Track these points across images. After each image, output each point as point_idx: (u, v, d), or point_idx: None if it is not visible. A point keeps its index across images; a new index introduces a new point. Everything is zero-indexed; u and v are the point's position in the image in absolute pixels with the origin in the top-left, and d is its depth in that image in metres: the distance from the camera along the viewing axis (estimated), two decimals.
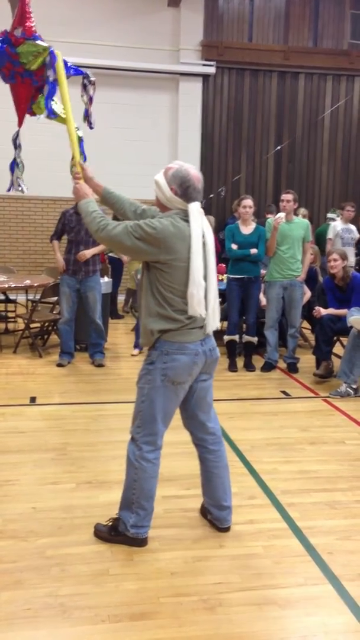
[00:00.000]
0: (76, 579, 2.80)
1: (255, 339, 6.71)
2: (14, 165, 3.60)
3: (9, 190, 3.62)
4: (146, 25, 11.30)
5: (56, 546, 3.05)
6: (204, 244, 2.88)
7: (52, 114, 3.35)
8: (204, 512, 3.35)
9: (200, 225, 2.85)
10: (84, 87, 3.76)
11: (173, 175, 2.89)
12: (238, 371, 6.65)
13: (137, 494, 3.02)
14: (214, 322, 2.96)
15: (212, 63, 11.52)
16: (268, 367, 6.69)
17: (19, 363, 6.70)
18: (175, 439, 4.52)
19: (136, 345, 7.26)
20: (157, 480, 3.09)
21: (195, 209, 2.86)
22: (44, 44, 3.29)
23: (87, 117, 3.77)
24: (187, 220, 2.85)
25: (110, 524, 3.13)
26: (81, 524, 3.24)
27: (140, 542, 3.07)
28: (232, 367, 6.69)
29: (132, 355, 7.18)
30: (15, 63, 3.31)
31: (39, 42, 3.30)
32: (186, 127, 11.68)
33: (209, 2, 11.50)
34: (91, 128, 3.82)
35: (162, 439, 3.09)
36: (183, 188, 2.86)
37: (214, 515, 3.26)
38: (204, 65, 11.53)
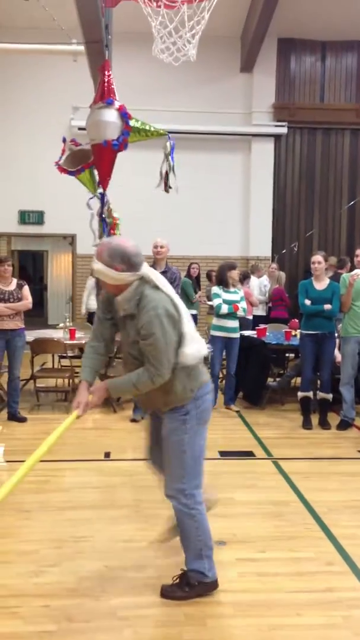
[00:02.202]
0: None
1: (330, 396, 6.55)
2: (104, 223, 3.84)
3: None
4: (220, 90, 11.77)
5: (129, 607, 3.02)
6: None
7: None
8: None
9: (163, 282, 2.94)
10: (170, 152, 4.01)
11: (109, 256, 2.83)
12: (313, 429, 6.49)
13: (203, 538, 3.06)
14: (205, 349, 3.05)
15: (283, 124, 11.79)
16: (344, 425, 6.49)
17: (94, 418, 6.81)
18: (249, 499, 4.46)
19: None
20: None
21: (148, 269, 2.92)
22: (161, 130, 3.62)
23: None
24: (152, 285, 2.89)
25: (178, 581, 3.10)
26: (154, 584, 3.20)
27: (216, 583, 3.12)
28: (307, 425, 6.54)
29: None
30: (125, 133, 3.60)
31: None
32: (258, 185, 11.91)
33: (280, 66, 11.87)
34: (166, 191, 4.03)
35: None
36: (125, 261, 2.83)
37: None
38: (275, 126, 11.81)
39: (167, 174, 4.19)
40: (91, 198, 4.15)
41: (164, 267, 6.60)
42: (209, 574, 3.08)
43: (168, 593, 3.09)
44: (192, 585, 3.06)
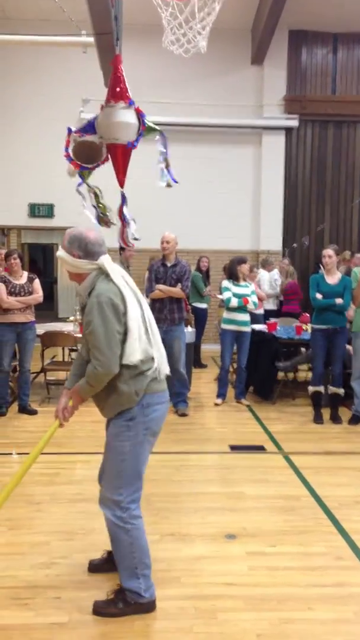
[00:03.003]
0: (159, 635, 2.76)
1: (341, 391, 6.51)
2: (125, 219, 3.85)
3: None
4: (231, 83, 11.69)
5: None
6: (132, 290, 2.83)
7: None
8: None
9: (119, 275, 2.81)
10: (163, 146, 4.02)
11: (69, 242, 2.83)
12: (324, 423, 6.47)
13: (138, 555, 2.87)
14: (165, 365, 2.91)
15: (295, 116, 11.70)
16: (356, 420, 6.46)
17: None
18: (259, 493, 4.45)
19: (219, 395, 7.23)
20: None
21: (106, 260, 2.83)
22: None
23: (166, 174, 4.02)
24: (105, 276, 2.81)
25: (113, 597, 2.93)
26: (164, 578, 3.19)
27: (153, 604, 2.91)
28: (318, 419, 6.51)
29: (216, 404, 7.14)
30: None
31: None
32: (269, 178, 11.84)
33: (292, 58, 11.77)
34: (175, 182, 4.06)
35: None
36: (82, 248, 2.81)
37: None
38: (287, 119, 11.73)
39: (167, 169, 4.21)
40: (80, 184, 4.18)
41: (174, 261, 6.58)
42: (145, 594, 2.88)
43: (100, 609, 2.89)
44: (127, 602, 2.88)
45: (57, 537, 3.69)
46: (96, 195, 4.33)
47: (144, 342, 2.79)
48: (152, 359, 2.83)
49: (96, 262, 2.82)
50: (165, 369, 2.92)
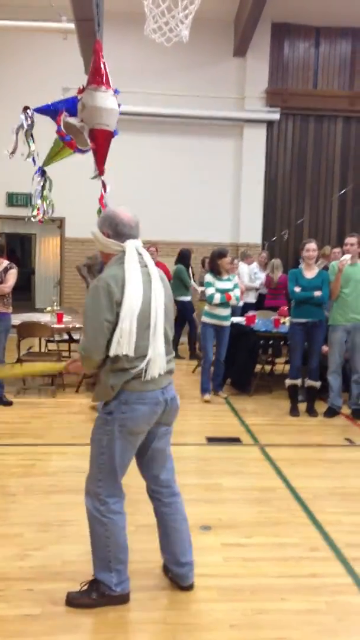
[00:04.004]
0: (133, 626, 2.76)
1: (318, 384, 6.56)
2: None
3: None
4: (213, 74, 11.66)
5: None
6: (148, 282, 2.74)
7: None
8: (165, 569, 3.14)
9: (135, 260, 2.72)
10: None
11: (102, 219, 2.83)
12: (300, 416, 6.51)
13: (113, 550, 2.86)
14: (158, 365, 2.75)
15: (276, 109, 11.71)
16: (331, 412, 6.51)
17: (81, 402, 6.79)
18: (235, 484, 4.47)
19: (205, 390, 7.12)
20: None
21: (131, 247, 2.75)
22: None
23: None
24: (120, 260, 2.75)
25: (86, 587, 2.92)
26: (138, 569, 3.19)
27: (126, 597, 2.91)
28: (294, 412, 6.56)
29: (206, 401, 7.03)
30: None
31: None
32: (250, 171, 11.85)
33: (274, 51, 11.77)
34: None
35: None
36: (113, 227, 2.78)
37: (174, 573, 3.04)
38: (268, 112, 11.73)
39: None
40: (38, 172, 4.01)
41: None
42: (117, 588, 2.87)
43: (73, 600, 2.89)
44: (101, 593, 2.88)
45: (31, 529, 3.66)
46: (43, 187, 4.22)
47: (137, 339, 2.66)
48: (142, 357, 2.70)
49: (122, 245, 2.77)
50: (157, 371, 2.76)
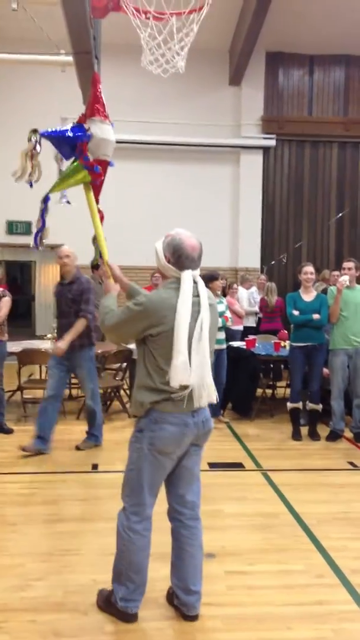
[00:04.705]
0: None
1: (319, 407, 6.54)
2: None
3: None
4: (209, 103, 11.85)
5: (116, 622, 2.96)
6: (197, 312, 2.79)
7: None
8: (170, 597, 3.11)
9: (188, 293, 2.77)
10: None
11: (167, 243, 2.89)
12: (302, 440, 6.47)
13: (126, 566, 2.91)
14: (204, 395, 2.80)
15: (272, 136, 11.88)
16: (334, 436, 6.48)
17: (82, 429, 6.74)
18: (238, 511, 4.43)
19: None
20: (149, 553, 2.95)
21: (186, 277, 2.81)
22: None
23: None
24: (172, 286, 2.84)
25: (107, 593, 3.05)
26: (143, 598, 3.15)
27: (128, 617, 2.93)
28: (296, 436, 6.52)
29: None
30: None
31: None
32: (247, 196, 11.97)
33: (269, 79, 11.98)
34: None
35: (152, 510, 2.96)
36: (175, 257, 2.85)
37: (181, 600, 2.99)
38: (264, 138, 11.89)
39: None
40: (48, 200, 3.92)
41: (71, 278, 5.83)
42: (120, 602, 2.92)
43: (98, 596, 3.11)
44: (111, 603, 2.98)
45: (32, 559, 3.62)
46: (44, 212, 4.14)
47: (175, 368, 2.71)
48: (179, 387, 2.74)
49: (180, 273, 2.83)
50: (206, 400, 2.83)
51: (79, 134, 3.70)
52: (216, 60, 11.80)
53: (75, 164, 3.65)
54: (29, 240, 12.64)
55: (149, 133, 11.44)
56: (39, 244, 3.81)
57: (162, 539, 3.10)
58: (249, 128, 11.90)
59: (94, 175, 3.74)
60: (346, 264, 6.47)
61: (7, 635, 2.84)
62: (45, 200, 3.66)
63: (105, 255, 3.40)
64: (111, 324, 2.91)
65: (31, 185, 4.08)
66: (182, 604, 3.01)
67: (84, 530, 4.05)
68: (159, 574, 3.24)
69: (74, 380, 8.34)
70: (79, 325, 5.69)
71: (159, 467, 2.87)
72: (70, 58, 6.71)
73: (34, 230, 3.68)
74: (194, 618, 2.99)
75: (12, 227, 11.74)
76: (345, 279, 6.34)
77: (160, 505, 3.06)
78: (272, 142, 11.89)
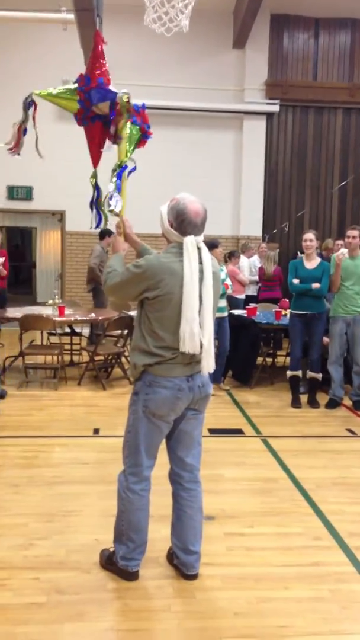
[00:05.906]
0: (138, 614, 2.77)
1: (319, 375, 6.57)
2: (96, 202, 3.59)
3: (97, 226, 3.59)
4: (212, 66, 11.60)
5: (118, 579, 3.03)
6: (201, 279, 2.77)
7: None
8: (170, 557, 3.18)
9: (194, 260, 2.75)
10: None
11: (171, 207, 2.88)
12: (302, 407, 6.53)
13: (126, 526, 2.98)
14: (204, 362, 2.81)
15: (276, 101, 11.66)
16: (333, 404, 6.53)
17: (83, 395, 6.81)
18: (238, 475, 4.48)
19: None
20: (148, 512, 3.01)
21: (189, 242, 2.77)
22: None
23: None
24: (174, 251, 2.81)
25: (109, 552, 3.15)
26: (143, 558, 3.21)
27: (129, 575, 3.01)
28: (296, 403, 6.57)
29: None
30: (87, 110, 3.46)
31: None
32: (250, 163, 11.81)
33: (273, 42, 11.71)
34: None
35: (150, 472, 3.01)
36: (178, 222, 2.82)
37: (181, 560, 3.06)
38: (267, 103, 11.68)
39: (36, 138, 3.96)
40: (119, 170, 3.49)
41: None
42: (120, 561, 3.01)
43: (101, 554, 3.20)
44: (112, 562, 3.07)
45: (35, 519, 3.68)
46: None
47: (174, 332, 2.75)
48: (168, 349, 2.78)
49: (182, 238, 2.81)
50: (206, 364, 2.82)
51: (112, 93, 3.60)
52: (220, 22, 11.52)
53: (129, 125, 3.50)
54: (29, 205, 12.51)
55: (149, 97, 11.16)
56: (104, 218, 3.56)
57: (163, 501, 3.15)
58: (252, 93, 11.67)
59: (144, 131, 3.64)
60: (350, 232, 6.42)
61: (10, 592, 2.91)
62: (121, 170, 3.41)
63: (123, 210, 3.30)
64: (111, 284, 2.92)
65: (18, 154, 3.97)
66: (181, 563, 3.07)
67: (87, 492, 4.11)
68: (159, 535, 3.31)
69: (75, 347, 8.38)
70: None
71: (154, 430, 2.91)
72: (71, 16, 6.56)
73: (107, 207, 3.32)
74: (193, 577, 3.05)
75: (13, 193, 11.62)
76: (344, 251, 6.32)
77: (161, 469, 3.10)
78: (276, 108, 11.68)
